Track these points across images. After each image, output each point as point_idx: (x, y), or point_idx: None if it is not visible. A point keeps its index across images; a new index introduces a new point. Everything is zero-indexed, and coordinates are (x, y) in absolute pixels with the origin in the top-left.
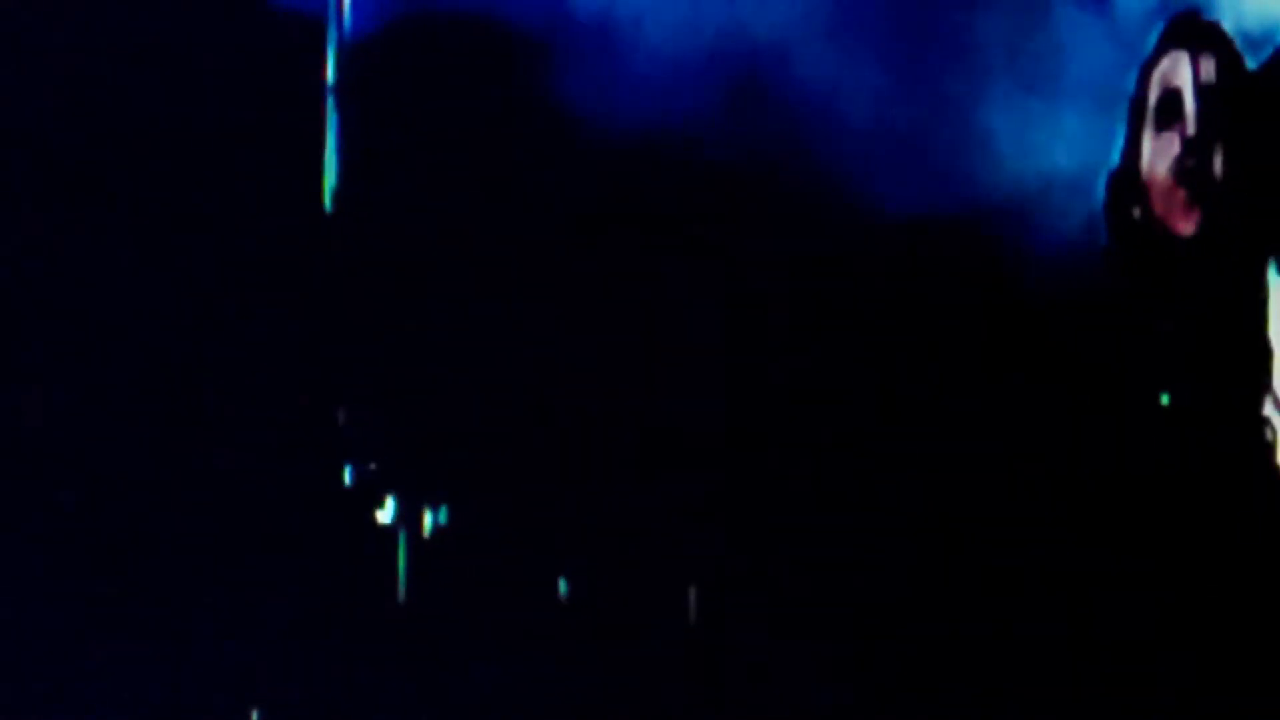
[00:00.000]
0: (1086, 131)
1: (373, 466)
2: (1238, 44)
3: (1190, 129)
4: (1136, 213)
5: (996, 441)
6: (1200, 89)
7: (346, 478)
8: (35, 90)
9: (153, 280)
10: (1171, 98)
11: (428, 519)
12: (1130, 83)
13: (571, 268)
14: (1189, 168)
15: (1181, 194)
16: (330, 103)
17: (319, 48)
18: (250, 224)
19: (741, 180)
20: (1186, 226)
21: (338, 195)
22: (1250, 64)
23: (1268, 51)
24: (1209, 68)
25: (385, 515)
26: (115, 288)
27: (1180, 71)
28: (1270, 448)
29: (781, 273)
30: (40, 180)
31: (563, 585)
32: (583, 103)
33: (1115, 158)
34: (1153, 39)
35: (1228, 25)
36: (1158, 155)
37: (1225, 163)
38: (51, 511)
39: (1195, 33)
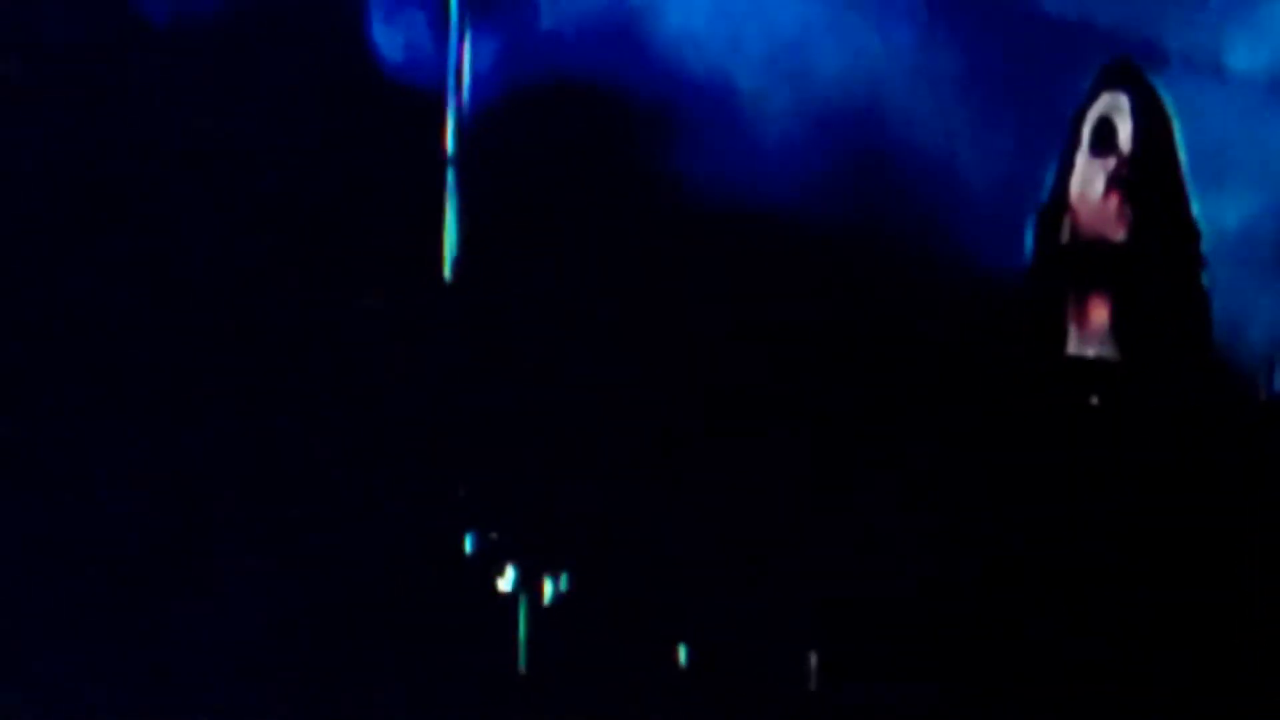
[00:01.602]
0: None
1: (494, 535)
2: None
3: (1126, 148)
4: (1065, 235)
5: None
6: (1137, 115)
7: (468, 546)
8: (157, 163)
9: (278, 352)
10: (1105, 127)
11: (548, 587)
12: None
13: (690, 337)
14: (1124, 178)
15: (1114, 205)
16: (450, 174)
17: (439, 119)
18: (371, 294)
19: (860, 248)
20: (1118, 233)
21: (457, 264)
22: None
23: None
24: (1142, 100)
25: (506, 583)
26: (241, 359)
27: (1115, 105)
28: None
29: (899, 335)
30: (163, 262)
31: (683, 652)
32: (702, 172)
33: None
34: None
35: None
36: (1089, 178)
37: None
38: (166, 588)
39: (1125, 74)
